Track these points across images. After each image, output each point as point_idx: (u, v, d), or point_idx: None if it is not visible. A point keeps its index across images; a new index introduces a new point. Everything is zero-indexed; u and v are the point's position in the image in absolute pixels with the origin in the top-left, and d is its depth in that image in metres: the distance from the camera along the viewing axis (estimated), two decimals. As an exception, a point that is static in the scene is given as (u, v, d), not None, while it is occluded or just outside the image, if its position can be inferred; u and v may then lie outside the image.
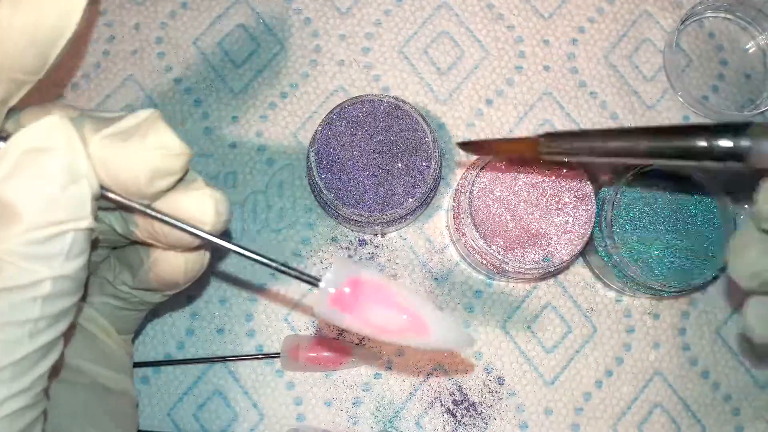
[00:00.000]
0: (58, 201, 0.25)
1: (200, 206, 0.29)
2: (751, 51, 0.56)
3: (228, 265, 0.51)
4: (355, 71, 0.54)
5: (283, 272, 0.30)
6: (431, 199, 0.50)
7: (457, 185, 0.50)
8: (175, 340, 0.51)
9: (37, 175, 0.25)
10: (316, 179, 0.47)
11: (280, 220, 0.52)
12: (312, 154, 0.47)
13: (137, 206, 0.28)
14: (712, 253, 0.47)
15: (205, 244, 0.33)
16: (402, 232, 0.52)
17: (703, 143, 0.32)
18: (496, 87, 0.55)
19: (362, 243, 0.52)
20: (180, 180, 0.30)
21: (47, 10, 0.27)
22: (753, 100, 0.55)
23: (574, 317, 0.52)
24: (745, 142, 0.31)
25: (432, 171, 0.47)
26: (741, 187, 0.54)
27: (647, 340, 0.52)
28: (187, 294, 0.51)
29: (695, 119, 0.55)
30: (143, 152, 0.27)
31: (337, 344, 0.49)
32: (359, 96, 0.48)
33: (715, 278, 0.52)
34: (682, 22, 0.54)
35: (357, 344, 0.50)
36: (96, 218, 0.27)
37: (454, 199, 0.49)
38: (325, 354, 0.49)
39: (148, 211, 0.29)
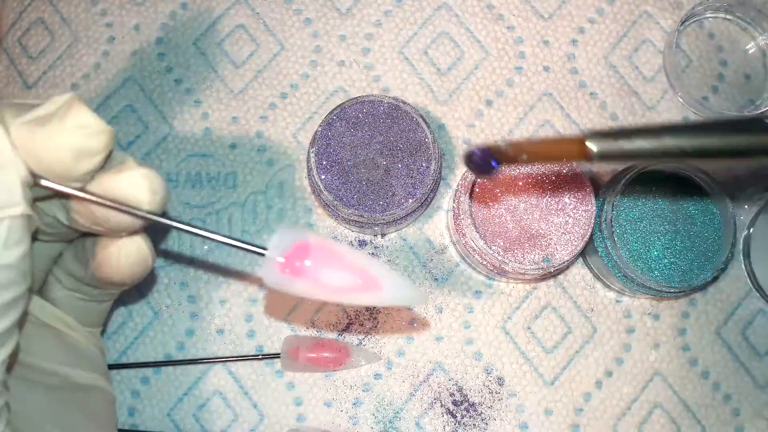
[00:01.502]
0: None
1: (133, 186, 0.29)
2: (751, 51, 0.56)
3: (229, 265, 0.51)
4: (355, 72, 0.54)
5: (228, 245, 0.31)
6: (431, 200, 0.50)
7: (457, 186, 0.50)
8: (175, 340, 0.51)
9: None
10: (316, 180, 0.47)
11: (280, 221, 0.52)
12: (312, 155, 0.47)
13: (70, 190, 0.29)
14: (712, 254, 0.47)
15: (142, 233, 0.34)
16: (402, 233, 0.52)
17: None
18: (496, 87, 0.55)
19: (362, 243, 0.52)
20: (112, 162, 0.30)
21: None
22: (753, 101, 0.55)
23: (574, 318, 0.52)
24: None
25: (432, 172, 0.47)
26: (741, 188, 0.54)
27: (647, 340, 0.52)
28: (188, 294, 0.51)
29: (695, 120, 0.55)
30: (63, 134, 0.27)
31: (337, 345, 0.49)
32: (359, 97, 0.48)
33: (715, 279, 0.52)
34: (682, 23, 0.54)
35: (357, 345, 0.50)
36: (35, 208, 0.27)
37: (454, 200, 0.49)
38: (325, 354, 0.49)
39: (81, 194, 0.29)
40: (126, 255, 0.33)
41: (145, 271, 0.35)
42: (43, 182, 0.28)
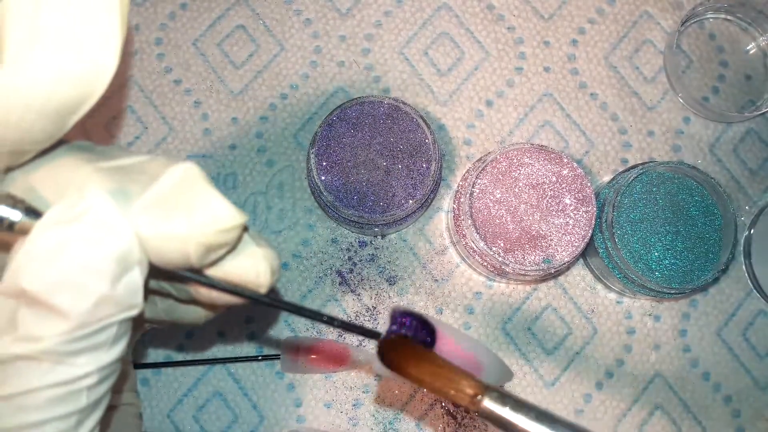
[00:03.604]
0: (108, 298, 0.22)
1: (255, 270, 0.26)
2: (751, 52, 0.56)
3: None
4: (355, 72, 0.54)
5: (345, 329, 0.29)
6: (431, 201, 0.50)
7: (458, 187, 0.50)
8: (175, 341, 0.50)
9: (82, 271, 0.22)
10: (316, 181, 0.47)
11: (281, 222, 0.52)
12: (312, 156, 0.47)
13: (187, 276, 0.25)
14: (713, 255, 0.47)
15: None
16: (402, 234, 0.52)
17: None
18: (496, 88, 0.54)
19: (362, 244, 0.52)
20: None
21: (66, 74, 0.22)
22: (753, 102, 0.55)
23: (574, 319, 0.52)
24: None
25: (432, 172, 0.47)
26: (742, 190, 0.54)
27: (648, 341, 0.52)
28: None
29: (696, 120, 0.55)
30: (191, 231, 0.23)
31: (337, 346, 0.49)
32: (359, 97, 0.48)
33: (715, 279, 0.52)
34: (683, 23, 0.54)
35: (357, 346, 0.50)
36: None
37: (454, 201, 0.49)
38: (326, 355, 0.49)
39: (198, 278, 0.25)
40: (213, 314, 0.32)
41: None
42: (160, 269, 0.24)
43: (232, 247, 0.25)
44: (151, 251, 0.23)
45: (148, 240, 0.23)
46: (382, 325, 0.51)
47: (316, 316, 0.28)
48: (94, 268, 0.22)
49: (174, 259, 0.24)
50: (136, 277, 0.23)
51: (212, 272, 0.26)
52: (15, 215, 0.23)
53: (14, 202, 0.23)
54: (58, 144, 0.25)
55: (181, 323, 0.32)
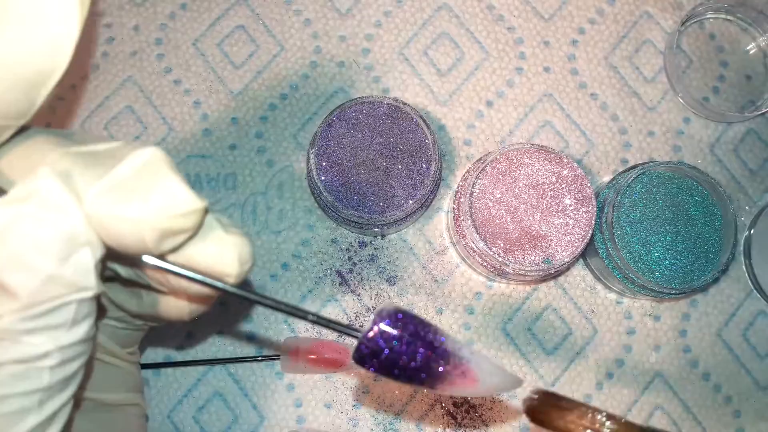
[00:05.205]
0: (56, 277, 0.22)
1: (221, 257, 0.26)
2: (751, 52, 0.56)
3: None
4: (355, 72, 0.54)
5: (325, 326, 0.28)
6: (431, 201, 0.50)
7: (458, 187, 0.50)
8: (175, 341, 0.50)
9: (29, 250, 0.22)
10: (316, 181, 0.47)
11: (280, 222, 0.52)
12: (312, 156, 0.47)
13: (151, 261, 0.25)
14: (713, 255, 0.47)
15: None
16: (402, 234, 0.52)
17: None
18: (496, 88, 0.54)
19: (362, 245, 0.52)
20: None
21: (30, 46, 0.23)
22: (753, 102, 0.55)
23: (574, 319, 0.52)
24: None
25: (432, 173, 0.47)
26: (742, 190, 0.54)
27: (648, 341, 0.52)
28: (187, 296, 0.51)
29: (696, 120, 0.55)
30: (147, 214, 0.23)
31: (338, 346, 0.49)
32: (359, 97, 0.48)
33: (715, 280, 0.52)
34: (683, 24, 0.54)
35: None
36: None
37: (454, 201, 0.49)
38: (326, 356, 0.49)
39: (160, 264, 0.25)
40: (197, 309, 0.31)
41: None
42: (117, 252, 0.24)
43: (194, 233, 0.25)
44: (107, 234, 0.23)
45: (104, 222, 0.23)
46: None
47: (288, 309, 0.27)
48: (40, 247, 0.22)
49: (130, 243, 0.24)
50: (86, 258, 0.23)
51: (175, 258, 0.25)
52: None
53: None
54: (31, 129, 0.26)
55: (167, 318, 0.32)
